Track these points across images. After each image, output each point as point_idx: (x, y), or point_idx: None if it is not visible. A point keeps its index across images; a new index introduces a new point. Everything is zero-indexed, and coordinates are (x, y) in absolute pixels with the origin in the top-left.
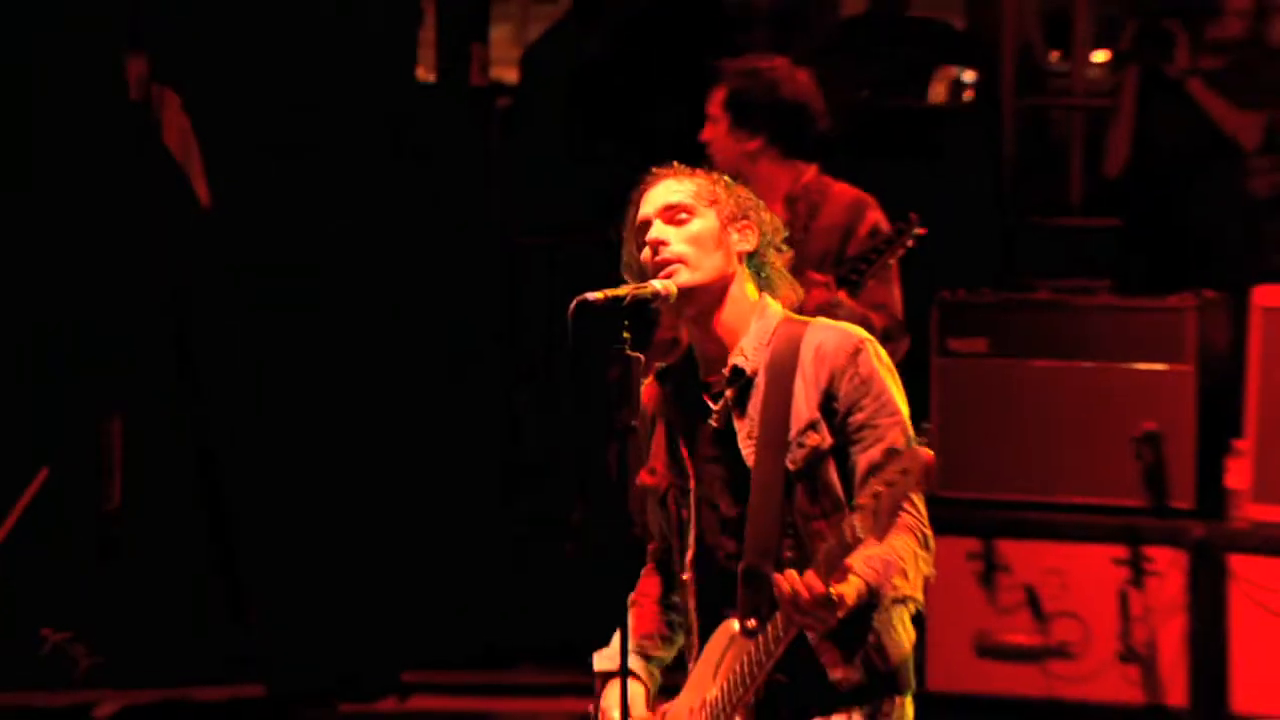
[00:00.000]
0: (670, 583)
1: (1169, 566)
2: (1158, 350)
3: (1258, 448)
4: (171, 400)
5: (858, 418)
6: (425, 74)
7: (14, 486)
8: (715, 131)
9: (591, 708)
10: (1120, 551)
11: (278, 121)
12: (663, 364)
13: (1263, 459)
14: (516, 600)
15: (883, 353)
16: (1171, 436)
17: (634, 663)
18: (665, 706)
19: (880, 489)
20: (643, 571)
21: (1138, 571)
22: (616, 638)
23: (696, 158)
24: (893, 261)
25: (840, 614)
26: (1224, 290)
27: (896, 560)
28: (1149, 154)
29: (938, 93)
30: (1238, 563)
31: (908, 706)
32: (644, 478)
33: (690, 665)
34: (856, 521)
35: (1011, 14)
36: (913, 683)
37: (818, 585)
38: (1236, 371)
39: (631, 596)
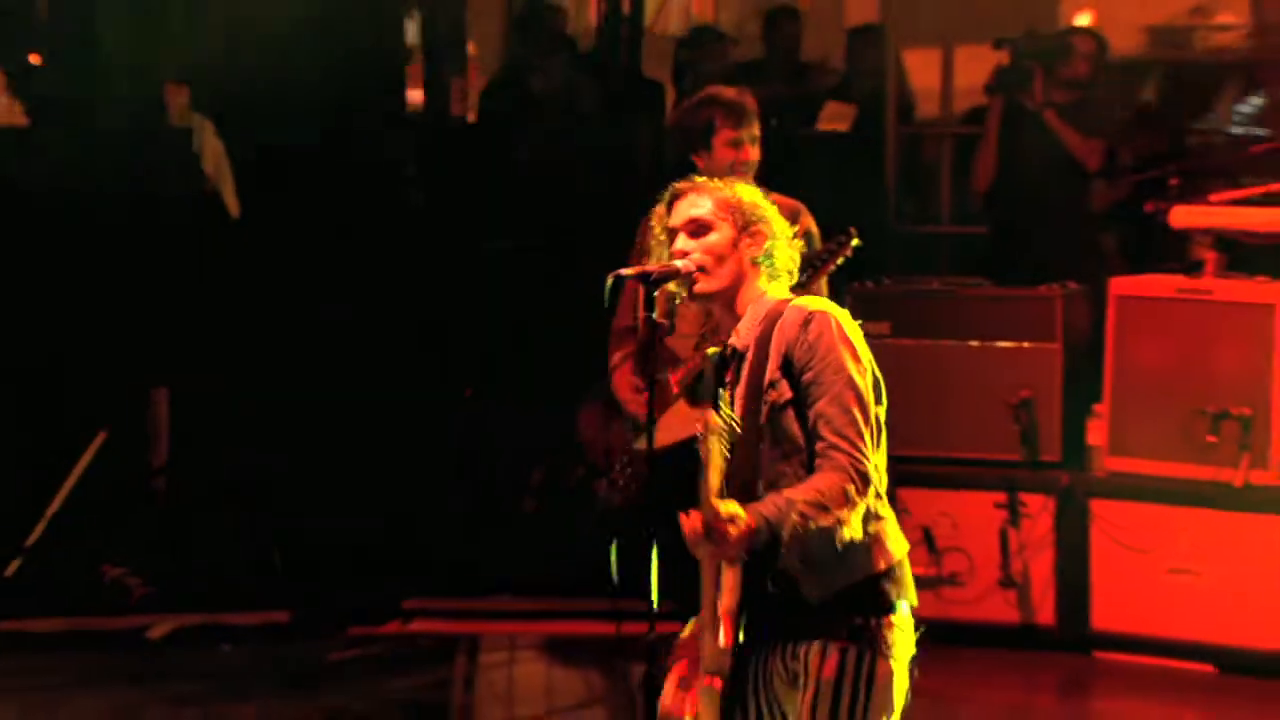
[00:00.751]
0: None
1: (1040, 509)
2: (1031, 331)
3: (1113, 411)
4: (206, 376)
5: (807, 377)
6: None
7: (78, 448)
8: (759, 149)
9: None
10: (1000, 497)
11: (285, 141)
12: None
13: (1117, 420)
14: (496, 544)
15: (839, 320)
16: (1042, 402)
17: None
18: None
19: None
20: None
21: (1014, 514)
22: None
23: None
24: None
25: (731, 547)
26: (1082, 283)
27: (811, 496)
28: (1010, 173)
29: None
30: (1097, 506)
31: (894, 628)
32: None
33: None
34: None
35: (892, 57)
36: (905, 596)
37: (697, 524)
38: (1096, 348)
39: None
